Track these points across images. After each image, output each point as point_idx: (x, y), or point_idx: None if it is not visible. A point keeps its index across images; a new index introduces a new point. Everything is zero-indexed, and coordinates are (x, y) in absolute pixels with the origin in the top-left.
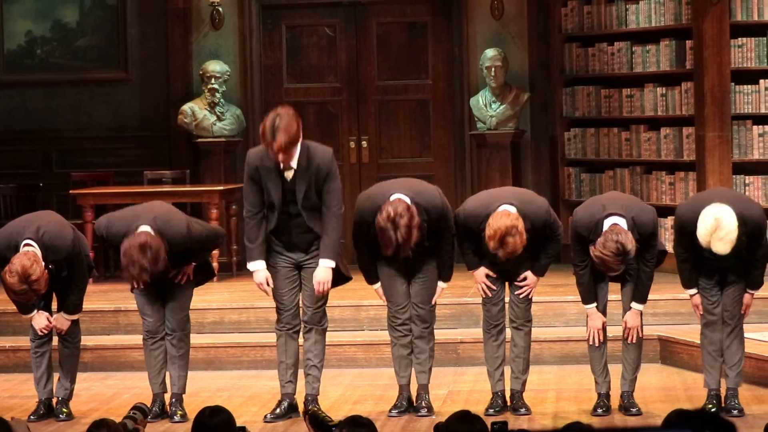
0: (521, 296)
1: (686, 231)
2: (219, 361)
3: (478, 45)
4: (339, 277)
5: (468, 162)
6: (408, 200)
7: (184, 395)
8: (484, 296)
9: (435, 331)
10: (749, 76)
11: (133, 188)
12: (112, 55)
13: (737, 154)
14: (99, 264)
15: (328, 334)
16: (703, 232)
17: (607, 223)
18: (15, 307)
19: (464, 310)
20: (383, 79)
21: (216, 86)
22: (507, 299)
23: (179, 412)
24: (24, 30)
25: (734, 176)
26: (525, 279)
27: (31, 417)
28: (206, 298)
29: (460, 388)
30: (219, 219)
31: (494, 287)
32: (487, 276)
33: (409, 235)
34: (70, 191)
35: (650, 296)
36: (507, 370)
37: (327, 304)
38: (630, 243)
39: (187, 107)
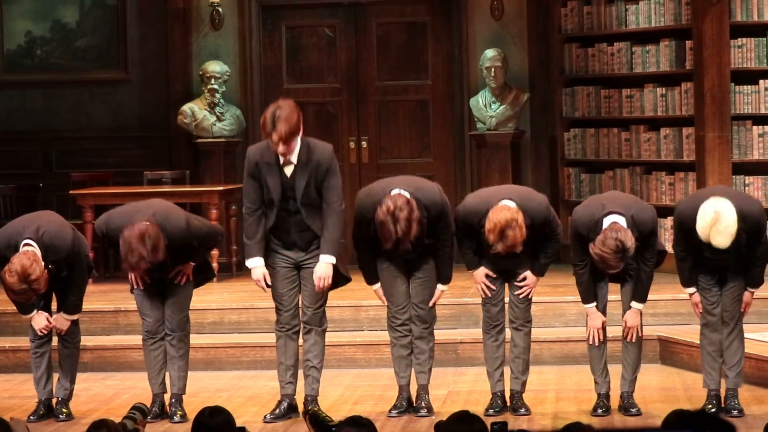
0: (521, 296)
1: (686, 228)
2: (219, 361)
3: (477, 45)
4: (338, 278)
5: (468, 162)
6: (408, 195)
7: (183, 395)
8: (483, 296)
9: (435, 331)
10: (749, 77)
11: (133, 188)
12: (112, 56)
13: (737, 155)
14: (99, 264)
15: (327, 334)
16: (702, 225)
17: (607, 222)
18: (15, 308)
19: (464, 310)
20: (383, 80)
21: (216, 87)
22: (507, 299)
23: (179, 413)
24: (24, 30)
25: (734, 176)
26: (524, 279)
27: (31, 417)
28: (206, 298)
29: (460, 388)
30: (219, 219)
31: (494, 287)
32: (487, 276)
33: (409, 228)
34: (70, 191)
35: (650, 296)
36: (507, 370)
37: (326, 305)
38: (629, 241)
39: (186, 107)
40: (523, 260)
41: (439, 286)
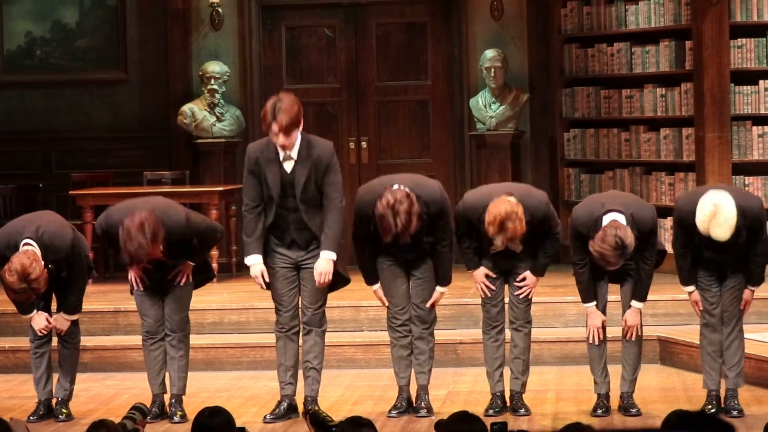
0: (521, 296)
1: (685, 224)
2: (218, 361)
3: (477, 46)
4: (338, 279)
5: (467, 163)
6: (407, 190)
7: (183, 396)
8: (483, 296)
9: (434, 331)
10: (749, 77)
11: (133, 189)
12: (112, 56)
13: (737, 155)
14: (99, 265)
15: (327, 334)
16: (702, 218)
17: (606, 220)
18: (15, 308)
19: (464, 310)
20: (383, 80)
21: (216, 87)
22: (507, 300)
23: (179, 413)
24: (24, 30)
25: (734, 177)
26: (524, 279)
27: (31, 417)
28: (206, 298)
29: (460, 388)
30: (218, 220)
31: (494, 287)
32: (487, 276)
33: (409, 221)
34: (70, 192)
35: (650, 297)
36: (506, 370)
37: (326, 305)
38: (629, 238)
39: (186, 108)
40: (523, 260)
41: (438, 288)
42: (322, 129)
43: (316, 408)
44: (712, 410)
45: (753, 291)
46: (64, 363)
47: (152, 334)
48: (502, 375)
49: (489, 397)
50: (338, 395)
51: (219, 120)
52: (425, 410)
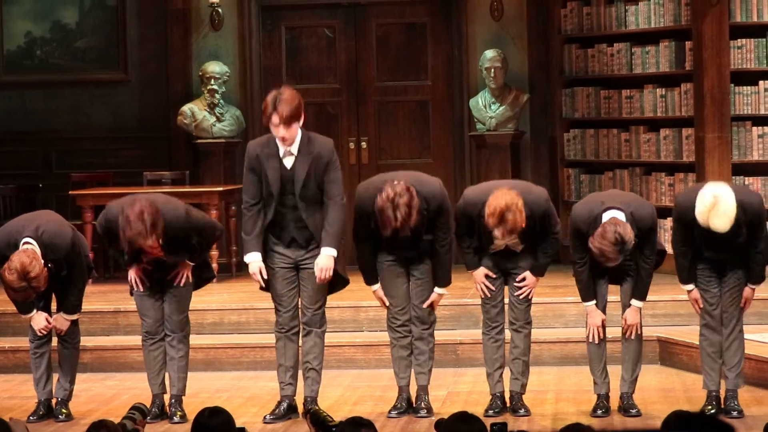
0: (521, 297)
1: (685, 220)
2: (218, 362)
3: (477, 46)
4: (337, 281)
5: (467, 163)
6: (407, 184)
7: (183, 396)
8: (483, 297)
9: (434, 332)
10: (749, 77)
11: (133, 189)
12: (112, 56)
13: (737, 156)
14: (98, 265)
15: (327, 335)
16: (701, 209)
17: (606, 217)
18: (15, 308)
19: (464, 311)
20: (383, 80)
21: (215, 87)
22: (507, 301)
23: (178, 413)
24: (23, 31)
25: (734, 177)
26: (524, 279)
27: (31, 418)
28: (206, 299)
29: (460, 389)
30: (218, 220)
31: (493, 288)
32: (487, 276)
33: (409, 215)
34: (70, 192)
35: (650, 297)
36: (506, 371)
37: (326, 306)
38: (628, 234)
39: (186, 108)
40: (523, 260)
41: (436, 289)
42: (322, 129)
43: (317, 408)
44: (712, 411)
45: (753, 289)
46: (64, 363)
47: (152, 335)
48: (501, 376)
49: (489, 398)
50: (338, 395)
51: (219, 120)
52: (425, 411)
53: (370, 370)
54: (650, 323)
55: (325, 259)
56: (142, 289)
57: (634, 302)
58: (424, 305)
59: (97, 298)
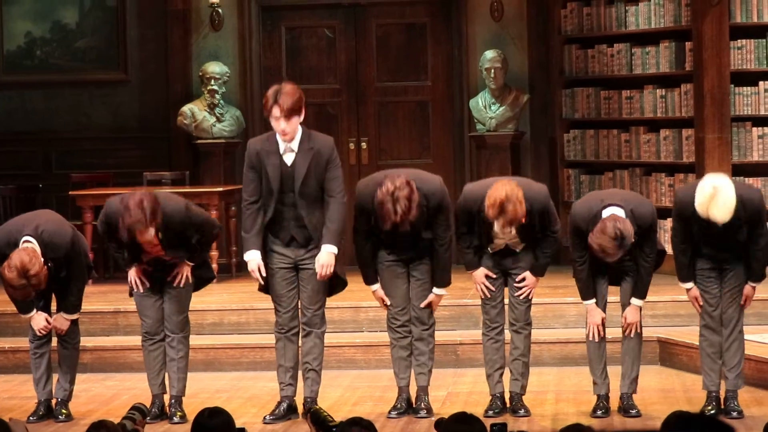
0: (521, 297)
1: (684, 215)
2: (218, 362)
3: (477, 46)
4: (337, 283)
5: (467, 164)
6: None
7: (183, 397)
8: (483, 297)
9: (434, 332)
10: (749, 78)
11: (133, 189)
12: (112, 57)
13: (737, 156)
14: (98, 265)
15: (327, 335)
16: (701, 200)
17: (605, 213)
18: (15, 308)
19: (464, 311)
20: (382, 81)
21: (215, 87)
22: (506, 301)
23: (178, 413)
24: (23, 31)
25: (734, 178)
26: (524, 279)
27: (31, 418)
28: (205, 299)
29: (460, 389)
30: (218, 220)
31: (493, 288)
32: (487, 277)
33: (409, 208)
34: (70, 192)
35: (649, 298)
36: (506, 372)
37: (326, 306)
38: (628, 229)
39: (186, 108)
40: (523, 259)
41: (435, 290)
42: (322, 129)
43: (318, 407)
44: (712, 411)
45: (754, 287)
46: (64, 363)
47: (152, 335)
48: (501, 376)
49: (488, 398)
50: (338, 396)
51: (219, 120)
52: (425, 411)
53: (370, 370)
54: (650, 324)
55: (325, 256)
56: (141, 290)
57: (634, 301)
58: (422, 305)
59: (97, 298)
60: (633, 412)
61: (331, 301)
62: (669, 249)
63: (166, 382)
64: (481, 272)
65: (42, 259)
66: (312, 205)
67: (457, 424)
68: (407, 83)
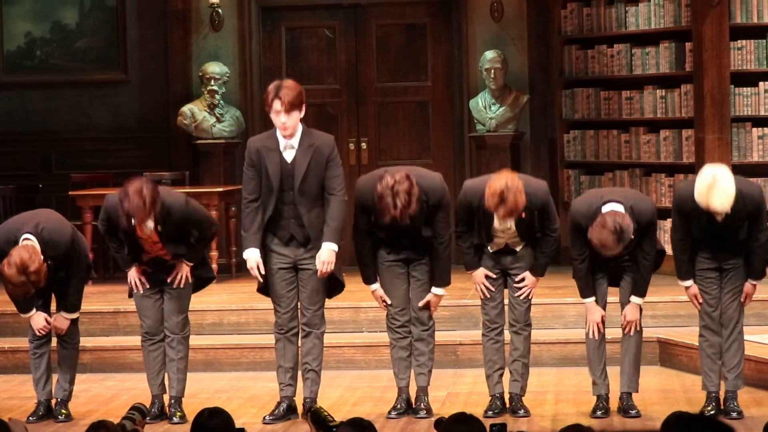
0: (521, 297)
1: (684, 209)
2: (218, 362)
3: (477, 47)
4: (335, 286)
5: (467, 164)
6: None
7: (182, 398)
8: (483, 298)
9: (434, 333)
10: (749, 79)
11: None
12: (112, 57)
13: (737, 157)
14: (98, 265)
15: (327, 335)
16: (701, 189)
17: (605, 209)
18: (14, 308)
19: (463, 311)
20: (382, 81)
21: (215, 88)
22: (506, 302)
23: (178, 414)
24: (23, 31)
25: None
26: (524, 279)
27: (30, 418)
28: (205, 299)
29: (459, 390)
30: (218, 220)
31: (493, 288)
32: (487, 277)
33: (408, 201)
34: (70, 192)
35: (649, 298)
36: (506, 372)
37: (325, 307)
38: (627, 224)
39: (186, 109)
40: (522, 259)
41: (434, 290)
42: (322, 130)
43: (318, 407)
44: (712, 412)
45: (754, 285)
46: (64, 363)
47: (151, 335)
48: (501, 377)
49: (488, 399)
50: (338, 396)
51: (219, 121)
52: (424, 411)
53: (370, 370)
54: (650, 324)
55: (326, 253)
56: (141, 291)
57: (634, 299)
58: (420, 304)
59: (97, 298)
60: (633, 412)
61: (330, 302)
62: (669, 250)
63: (166, 382)
64: (480, 272)
65: (41, 257)
66: (311, 204)
67: (456, 425)
68: (407, 84)
